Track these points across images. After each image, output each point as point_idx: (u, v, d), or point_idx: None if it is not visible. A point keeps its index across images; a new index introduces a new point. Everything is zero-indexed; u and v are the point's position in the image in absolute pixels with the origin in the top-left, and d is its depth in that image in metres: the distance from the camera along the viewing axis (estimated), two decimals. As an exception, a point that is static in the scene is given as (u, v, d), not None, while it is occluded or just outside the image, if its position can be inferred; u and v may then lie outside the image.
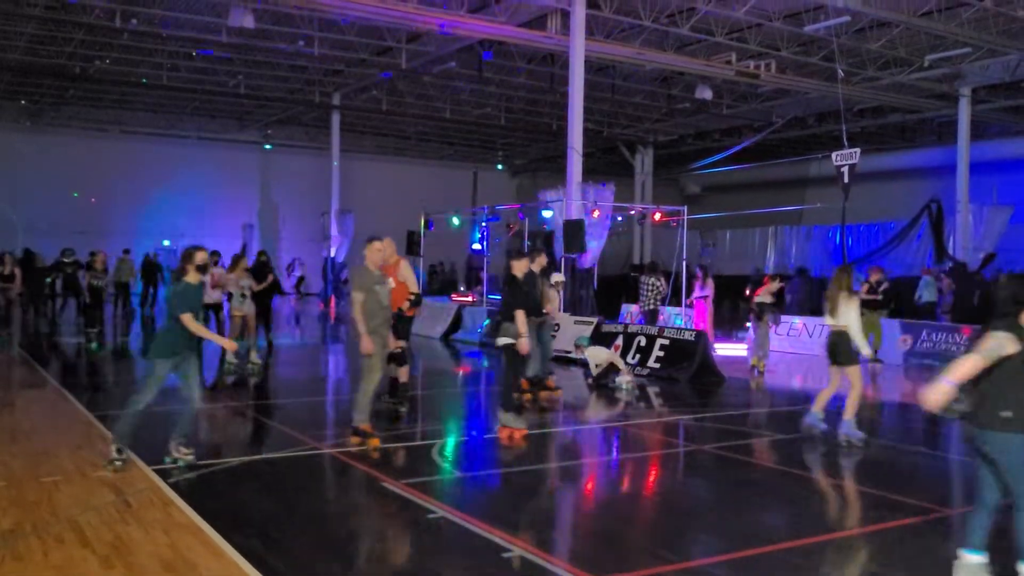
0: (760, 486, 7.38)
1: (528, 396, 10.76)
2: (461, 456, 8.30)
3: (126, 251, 22.56)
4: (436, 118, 30.22)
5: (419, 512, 6.04)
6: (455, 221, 24.72)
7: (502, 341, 8.85)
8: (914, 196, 26.78)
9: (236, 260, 13.81)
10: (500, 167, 41.25)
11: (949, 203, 24.12)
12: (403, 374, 9.98)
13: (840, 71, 19.40)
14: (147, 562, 4.94)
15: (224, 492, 6.53)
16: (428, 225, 22.73)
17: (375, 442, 7.99)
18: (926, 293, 18.90)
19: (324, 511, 6.21)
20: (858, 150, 16.92)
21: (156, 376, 6.93)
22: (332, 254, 28.89)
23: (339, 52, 22.76)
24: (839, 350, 8.67)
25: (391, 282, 8.82)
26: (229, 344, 8.52)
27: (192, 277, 7.06)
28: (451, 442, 8.82)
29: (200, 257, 7.16)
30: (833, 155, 17.01)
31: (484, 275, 21.84)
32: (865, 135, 29.42)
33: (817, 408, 8.99)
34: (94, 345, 16.53)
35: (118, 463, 6.84)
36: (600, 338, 14.14)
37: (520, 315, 8.74)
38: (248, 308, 13.34)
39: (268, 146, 35.48)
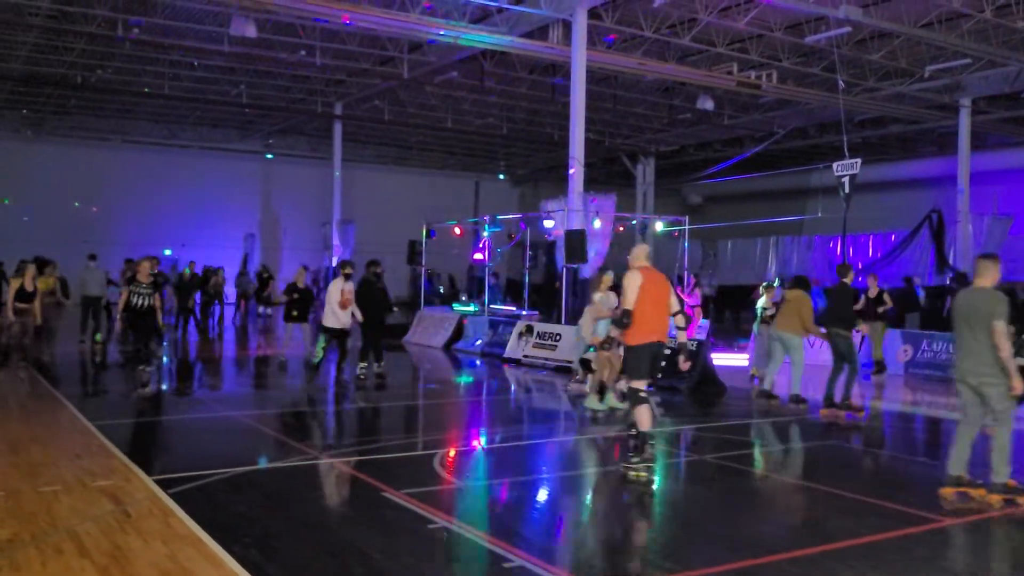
0: (760, 496, 7.36)
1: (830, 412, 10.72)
2: (462, 466, 8.27)
3: (92, 256, 18.20)
4: (438, 128, 30.28)
5: (420, 522, 6.01)
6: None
7: None
8: (915, 206, 26.81)
9: (600, 275, 10.64)
10: (502, 177, 41.32)
11: (950, 213, 24.15)
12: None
13: (841, 82, 19.43)
14: (146, 572, 4.91)
15: (224, 502, 6.49)
16: (430, 234, 22.73)
17: None
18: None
19: (324, 521, 6.18)
20: (859, 160, 16.93)
21: None
22: (334, 264, 28.87)
23: (341, 62, 22.80)
24: None
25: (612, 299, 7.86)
26: None
27: None
28: (452, 452, 8.79)
29: None
30: (834, 165, 17.03)
31: (487, 284, 21.82)
32: (866, 145, 29.45)
33: None
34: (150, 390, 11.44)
35: None
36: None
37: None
38: None
39: (270, 155, 35.52)
